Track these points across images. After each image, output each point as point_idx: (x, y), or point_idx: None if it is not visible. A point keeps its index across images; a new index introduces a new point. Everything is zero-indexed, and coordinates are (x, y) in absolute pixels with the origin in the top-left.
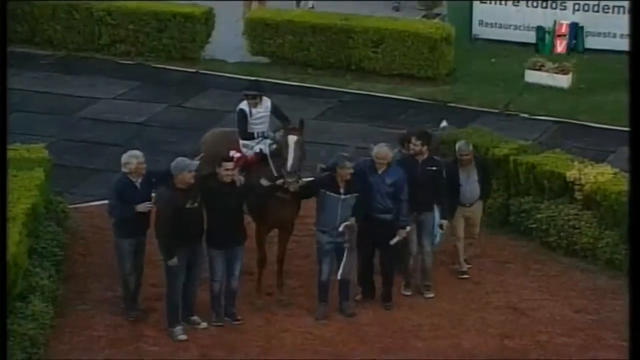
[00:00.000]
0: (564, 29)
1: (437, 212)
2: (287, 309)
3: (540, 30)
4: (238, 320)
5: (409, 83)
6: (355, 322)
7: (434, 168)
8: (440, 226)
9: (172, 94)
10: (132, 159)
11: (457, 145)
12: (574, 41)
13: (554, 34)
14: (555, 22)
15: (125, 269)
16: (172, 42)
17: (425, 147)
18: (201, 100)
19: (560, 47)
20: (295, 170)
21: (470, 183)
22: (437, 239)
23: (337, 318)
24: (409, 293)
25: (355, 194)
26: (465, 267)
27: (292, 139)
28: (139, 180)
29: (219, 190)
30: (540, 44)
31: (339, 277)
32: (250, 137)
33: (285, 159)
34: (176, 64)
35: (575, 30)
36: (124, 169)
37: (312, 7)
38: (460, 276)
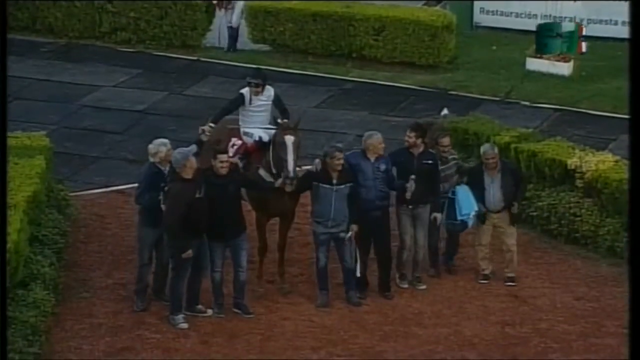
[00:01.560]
0: (583, 31)
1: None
2: (288, 296)
3: (557, 27)
4: (249, 314)
5: (410, 71)
6: (356, 309)
7: (430, 162)
8: (435, 219)
9: (173, 82)
10: (162, 147)
11: (482, 149)
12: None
13: (578, 34)
14: (576, 24)
15: (143, 259)
16: (172, 30)
17: (420, 140)
18: (201, 88)
19: (585, 47)
20: (296, 174)
21: (493, 188)
22: (470, 222)
23: (338, 306)
24: (405, 285)
25: (349, 184)
26: (488, 271)
27: (289, 139)
28: (167, 168)
29: (215, 182)
30: (553, 43)
31: (358, 274)
32: (216, 120)
33: (285, 161)
34: (177, 52)
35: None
36: (153, 159)
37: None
38: (481, 280)
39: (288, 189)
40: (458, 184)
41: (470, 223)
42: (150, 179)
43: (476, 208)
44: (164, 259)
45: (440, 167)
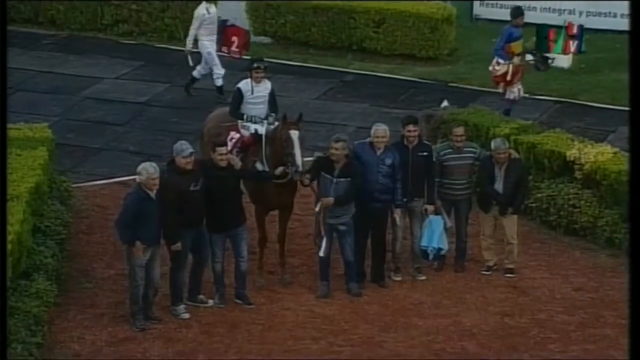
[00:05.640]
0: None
1: (441, 219)
2: (288, 287)
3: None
4: (251, 304)
5: (411, 63)
6: (357, 300)
7: (425, 153)
8: (426, 210)
9: (175, 74)
10: (143, 171)
11: (493, 144)
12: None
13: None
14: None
15: (136, 280)
16: (174, 22)
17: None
18: (203, 80)
19: (573, 47)
20: (303, 167)
21: (498, 182)
22: (430, 255)
23: (339, 296)
24: (398, 278)
25: (349, 179)
26: (492, 262)
27: (294, 134)
28: (154, 191)
29: (215, 174)
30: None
31: (321, 254)
32: (240, 117)
33: (292, 155)
34: (178, 44)
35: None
36: (137, 178)
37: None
38: (484, 271)
39: (295, 177)
40: (436, 213)
41: (430, 257)
42: (134, 203)
43: (435, 246)
44: (153, 275)
45: (452, 156)
